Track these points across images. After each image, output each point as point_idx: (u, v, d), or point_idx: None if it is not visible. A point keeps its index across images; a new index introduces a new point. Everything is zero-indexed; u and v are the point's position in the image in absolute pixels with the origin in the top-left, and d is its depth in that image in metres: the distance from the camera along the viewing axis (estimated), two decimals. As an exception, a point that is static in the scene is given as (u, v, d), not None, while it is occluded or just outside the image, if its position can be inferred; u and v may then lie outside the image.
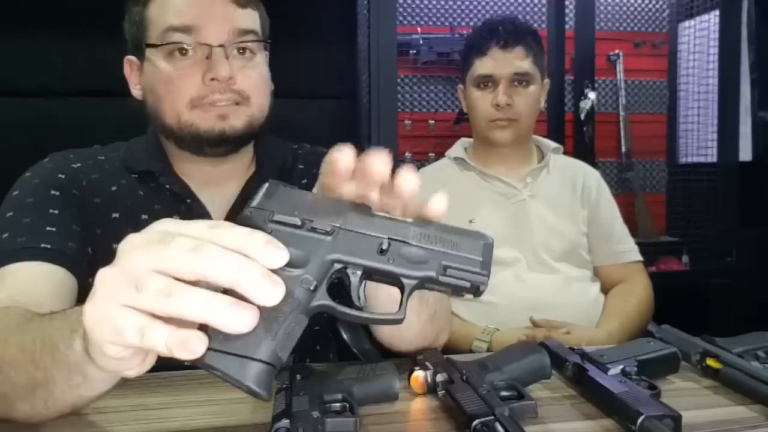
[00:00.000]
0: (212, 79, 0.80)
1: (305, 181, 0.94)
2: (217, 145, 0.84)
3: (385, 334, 0.80)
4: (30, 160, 0.92)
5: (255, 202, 0.48)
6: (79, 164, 0.87)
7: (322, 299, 0.45)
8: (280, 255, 0.40)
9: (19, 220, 0.78)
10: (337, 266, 0.46)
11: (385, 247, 0.46)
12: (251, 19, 0.85)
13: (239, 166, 0.91)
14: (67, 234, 0.79)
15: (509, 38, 1.31)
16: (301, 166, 0.96)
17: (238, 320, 0.38)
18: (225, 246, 0.39)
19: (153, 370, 0.77)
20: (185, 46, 0.81)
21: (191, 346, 0.39)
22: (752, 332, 0.80)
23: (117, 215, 0.84)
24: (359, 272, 0.47)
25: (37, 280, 0.73)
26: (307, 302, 0.43)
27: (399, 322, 0.47)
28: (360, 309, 0.47)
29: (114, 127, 1.03)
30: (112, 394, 0.65)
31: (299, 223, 0.46)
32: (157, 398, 0.69)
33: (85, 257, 0.79)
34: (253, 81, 0.84)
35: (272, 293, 0.39)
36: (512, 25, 1.35)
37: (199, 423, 0.63)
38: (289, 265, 0.41)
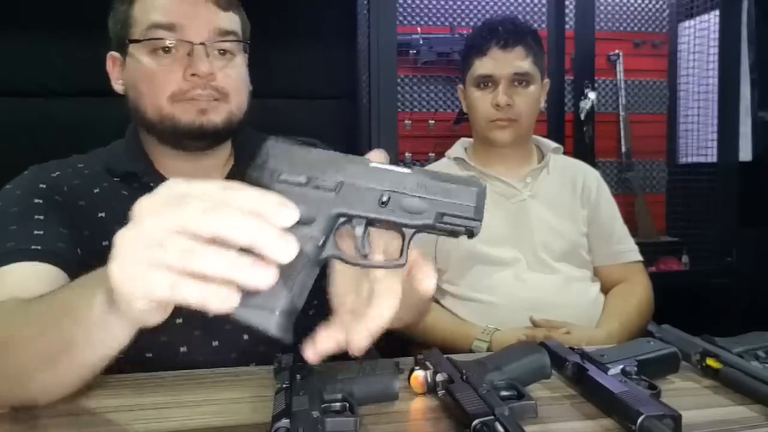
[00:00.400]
0: (193, 75, 0.83)
1: None
2: (196, 139, 0.87)
3: None
4: (30, 160, 0.92)
5: (259, 162, 0.50)
6: (58, 173, 0.89)
7: (330, 251, 0.48)
8: (291, 215, 0.43)
9: (6, 228, 0.79)
10: (342, 220, 0.49)
11: (385, 199, 0.49)
12: (232, 21, 0.89)
13: (219, 161, 0.94)
14: (56, 236, 0.80)
15: (509, 38, 1.31)
16: None
17: (261, 278, 0.41)
18: (239, 207, 0.42)
19: (153, 370, 0.77)
20: (167, 43, 0.84)
21: (225, 299, 0.42)
22: (752, 332, 0.80)
23: (103, 214, 0.86)
24: (363, 223, 0.50)
25: (30, 279, 0.75)
26: (316, 256, 0.47)
27: (402, 266, 0.50)
28: (365, 257, 0.50)
29: (114, 127, 1.03)
30: (111, 395, 0.65)
31: (304, 181, 0.49)
32: (156, 398, 0.69)
33: (76, 257, 0.81)
34: (232, 79, 0.87)
35: (288, 251, 0.42)
36: (512, 25, 1.35)
37: (198, 423, 0.63)
38: (299, 222, 0.44)
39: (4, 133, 1.69)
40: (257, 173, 0.49)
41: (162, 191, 0.44)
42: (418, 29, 2.08)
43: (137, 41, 0.85)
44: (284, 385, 0.63)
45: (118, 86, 0.92)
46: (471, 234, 0.50)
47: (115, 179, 0.90)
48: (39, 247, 0.77)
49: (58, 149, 0.93)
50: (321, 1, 1.83)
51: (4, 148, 1.68)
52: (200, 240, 0.41)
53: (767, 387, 0.65)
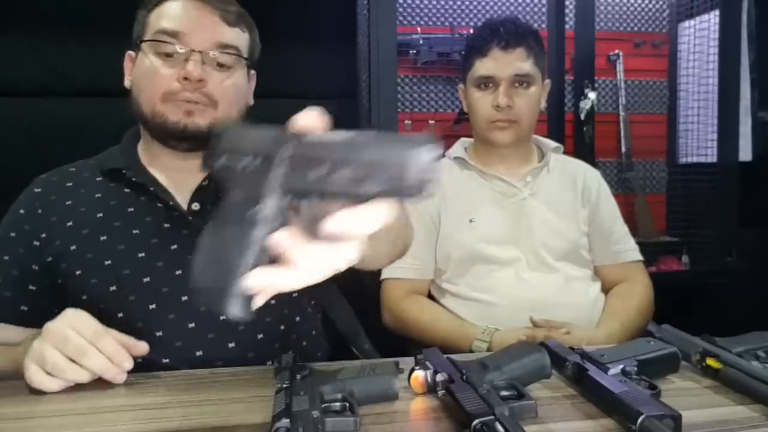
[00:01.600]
0: (185, 78, 0.89)
1: None
2: (179, 139, 0.93)
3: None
4: (30, 159, 0.93)
5: (214, 158, 0.53)
6: (40, 189, 0.97)
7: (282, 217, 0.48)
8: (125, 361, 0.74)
9: None
10: (291, 195, 0.48)
11: (329, 171, 0.46)
12: (237, 37, 0.95)
13: None
14: (23, 298, 0.92)
15: (510, 39, 1.31)
16: None
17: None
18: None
19: (151, 370, 0.77)
20: (168, 48, 0.91)
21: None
22: (752, 332, 0.80)
23: (71, 223, 0.93)
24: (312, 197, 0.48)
25: None
26: (266, 232, 0.47)
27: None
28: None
29: (114, 127, 1.04)
30: (111, 395, 0.65)
31: (253, 160, 0.50)
32: (155, 398, 0.69)
33: (37, 313, 0.89)
34: (224, 89, 0.93)
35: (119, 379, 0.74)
36: (513, 25, 1.34)
37: (197, 423, 0.63)
38: (248, 201, 0.47)
39: (4, 133, 1.69)
40: (212, 161, 0.53)
41: (59, 324, 0.73)
42: (418, 29, 2.08)
43: (146, 41, 0.92)
44: (284, 385, 0.63)
45: (127, 82, 0.97)
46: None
47: (99, 179, 0.96)
48: None
49: (58, 149, 0.94)
50: (321, 1, 1.83)
51: (4, 148, 1.68)
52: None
53: (767, 387, 0.65)
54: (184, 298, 0.88)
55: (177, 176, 0.97)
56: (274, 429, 0.54)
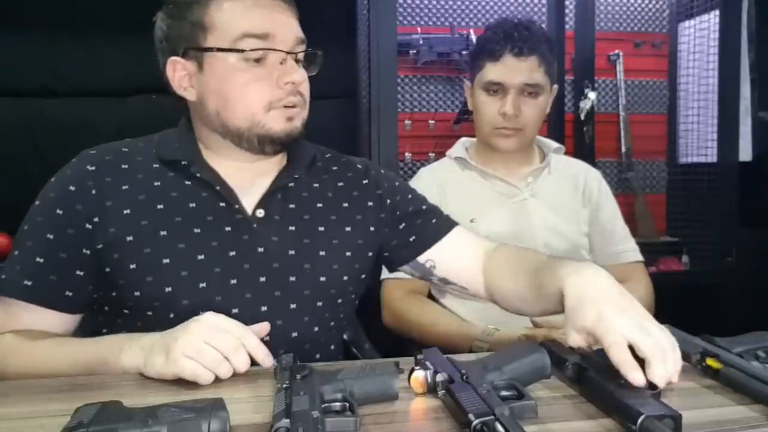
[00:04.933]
0: (286, 83, 0.86)
1: (341, 184, 1.00)
2: (281, 144, 0.90)
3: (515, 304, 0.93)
4: (29, 160, 0.93)
5: None
6: (94, 167, 0.88)
7: None
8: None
9: (33, 258, 0.85)
10: None
11: None
12: (300, 28, 0.92)
13: (273, 161, 0.95)
14: (67, 283, 0.86)
15: (524, 47, 1.28)
16: (334, 168, 1.02)
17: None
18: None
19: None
20: (259, 53, 0.85)
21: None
22: (752, 332, 0.80)
23: (128, 212, 0.86)
24: None
25: (32, 322, 0.85)
26: None
27: None
28: None
29: (114, 127, 1.04)
30: (112, 395, 0.65)
31: None
32: (156, 398, 0.69)
33: (82, 298, 0.88)
34: (307, 85, 0.91)
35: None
36: (528, 31, 1.31)
37: (199, 423, 0.63)
38: None
39: (4, 133, 1.69)
40: None
41: (211, 320, 0.74)
42: (418, 29, 2.08)
43: (226, 50, 0.85)
44: (284, 385, 0.63)
45: (187, 93, 0.90)
46: None
47: (156, 166, 0.90)
48: (49, 293, 0.85)
49: (57, 149, 0.93)
50: (321, 1, 1.83)
51: (4, 148, 1.68)
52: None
53: (767, 387, 0.65)
54: (235, 310, 0.85)
55: (245, 177, 0.92)
56: (274, 429, 0.54)
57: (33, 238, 0.86)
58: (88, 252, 0.85)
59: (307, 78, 0.91)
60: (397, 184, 1.05)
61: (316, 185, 0.97)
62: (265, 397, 0.67)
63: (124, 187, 0.88)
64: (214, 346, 0.71)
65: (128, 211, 0.86)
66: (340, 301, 0.95)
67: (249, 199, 0.91)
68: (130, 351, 0.76)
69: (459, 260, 0.98)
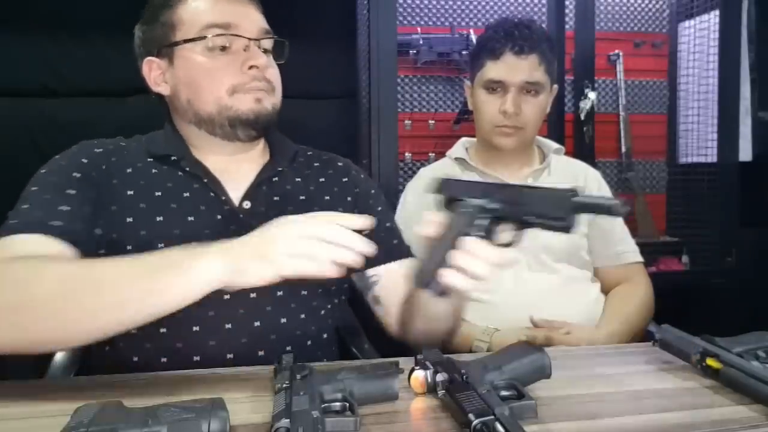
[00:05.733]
0: (250, 68, 0.91)
1: (323, 179, 1.04)
2: (251, 127, 0.93)
3: (421, 326, 0.96)
4: (29, 160, 0.93)
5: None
6: (101, 149, 0.94)
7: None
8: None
9: (41, 195, 0.85)
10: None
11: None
12: (265, 21, 0.97)
13: (255, 155, 1.00)
14: (78, 214, 0.85)
15: (525, 45, 1.28)
16: (316, 164, 1.06)
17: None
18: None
19: (149, 370, 0.77)
20: (223, 41, 0.90)
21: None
22: (752, 332, 0.80)
23: (131, 192, 0.91)
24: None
25: (40, 251, 0.80)
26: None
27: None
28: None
29: (114, 127, 1.04)
30: (112, 395, 0.65)
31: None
32: (156, 398, 0.69)
33: (92, 236, 0.86)
34: (275, 73, 0.96)
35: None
36: (528, 30, 1.31)
37: (199, 423, 0.63)
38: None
39: (4, 133, 1.69)
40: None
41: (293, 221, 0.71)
42: (418, 29, 2.08)
43: (191, 40, 0.90)
44: (284, 385, 0.63)
45: (160, 88, 0.96)
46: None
47: (149, 160, 0.95)
48: (60, 224, 0.82)
49: (57, 149, 0.93)
50: (321, 1, 1.83)
51: (4, 148, 1.68)
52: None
53: (767, 387, 0.65)
54: (227, 296, 0.85)
55: (230, 170, 0.96)
56: (274, 429, 0.54)
57: (54, 181, 0.86)
58: (103, 221, 0.87)
59: (274, 65, 0.96)
60: (372, 191, 1.07)
61: (299, 180, 1.01)
62: (264, 397, 0.67)
63: (128, 170, 0.93)
64: (318, 236, 0.68)
65: (131, 192, 0.90)
66: (320, 290, 0.97)
67: (235, 192, 0.95)
68: (210, 256, 0.69)
69: (396, 289, 0.98)
